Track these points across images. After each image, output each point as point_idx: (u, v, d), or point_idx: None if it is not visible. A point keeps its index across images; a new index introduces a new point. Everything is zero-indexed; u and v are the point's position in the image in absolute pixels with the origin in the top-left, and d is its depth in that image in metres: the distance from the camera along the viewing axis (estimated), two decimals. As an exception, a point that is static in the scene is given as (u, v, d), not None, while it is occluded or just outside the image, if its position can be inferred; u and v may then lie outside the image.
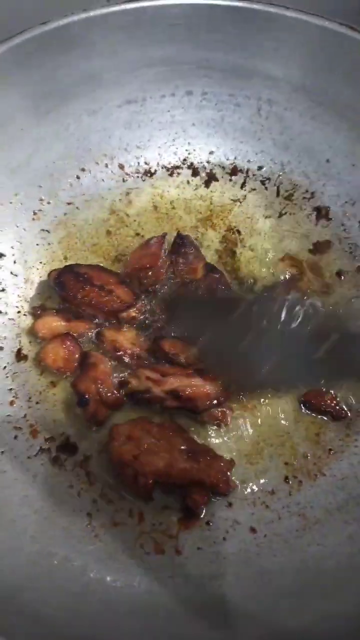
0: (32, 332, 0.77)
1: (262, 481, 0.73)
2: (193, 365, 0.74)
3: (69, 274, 0.77)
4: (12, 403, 0.74)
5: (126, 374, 0.75)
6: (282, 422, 0.76)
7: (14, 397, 0.74)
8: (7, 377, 0.75)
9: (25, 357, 0.77)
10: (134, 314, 0.77)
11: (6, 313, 0.78)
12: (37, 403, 0.74)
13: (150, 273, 0.81)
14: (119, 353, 0.75)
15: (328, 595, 0.63)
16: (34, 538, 0.64)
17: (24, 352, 0.77)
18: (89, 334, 0.77)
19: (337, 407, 0.76)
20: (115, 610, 0.60)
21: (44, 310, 0.78)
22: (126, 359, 0.75)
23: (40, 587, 0.60)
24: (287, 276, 0.84)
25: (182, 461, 0.69)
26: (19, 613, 0.55)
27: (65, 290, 0.76)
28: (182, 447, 0.69)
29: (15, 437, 0.72)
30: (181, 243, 0.82)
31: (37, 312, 0.78)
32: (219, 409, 0.73)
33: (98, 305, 0.76)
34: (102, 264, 0.82)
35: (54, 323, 0.76)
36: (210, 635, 0.60)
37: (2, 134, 0.77)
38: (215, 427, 0.74)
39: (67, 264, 0.80)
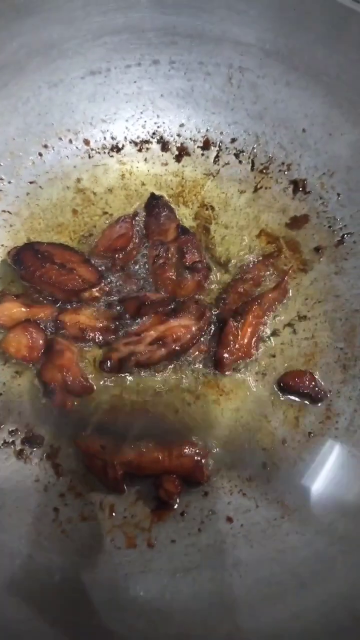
0: None
1: (239, 468, 0.69)
2: (164, 310, 0.73)
3: (29, 252, 0.73)
4: (-28, 395, 0.70)
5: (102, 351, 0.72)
6: (260, 406, 0.72)
7: (-27, 388, 0.71)
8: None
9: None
10: (96, 294, 0.73)
11: None
12: (0, 394, 0.70)
13: (121, 255, 0.77)
14: (85, 334, 0.71)
15: (305, 584, 0.60)
16: (-5, 536, 0.61)
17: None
18: (51, 320, 0.73)
19: (316, 388, 0.72)
20: (83, 608, 0.57)
21: (3, 296, 0.74)
22: (96, 336, 0.71)
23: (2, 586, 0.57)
24: (262, 254, 0.80)
25: (153, 450, 0.65)
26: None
27: (23, 267, 0.73)
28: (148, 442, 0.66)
29: (-24, 431, 0.69)
30: (155, 204, 0.79)
31: None
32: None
33: (58, 283, 0.72)
34: (68, 244, 0.78)
35: (14, 309, 0.72)
36: (183, 631, 0.57)
37: None
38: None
39: (29, 243, 0.76)
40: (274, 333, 0.76)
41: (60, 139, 0.83)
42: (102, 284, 0.74)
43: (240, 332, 0.71)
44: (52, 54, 0.78)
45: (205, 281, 0.76)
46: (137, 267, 0.78)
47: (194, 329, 0.70)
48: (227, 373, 0.71)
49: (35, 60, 0.77)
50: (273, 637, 0.57)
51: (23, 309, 0.72)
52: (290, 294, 0.78)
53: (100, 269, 0.76)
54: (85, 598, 0.58)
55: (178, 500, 0.67)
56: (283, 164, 0.84)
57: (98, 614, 0.57)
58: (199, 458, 0.67)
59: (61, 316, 0.72)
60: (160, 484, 0.65)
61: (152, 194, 0.80)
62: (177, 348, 0.70)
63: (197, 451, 0.68)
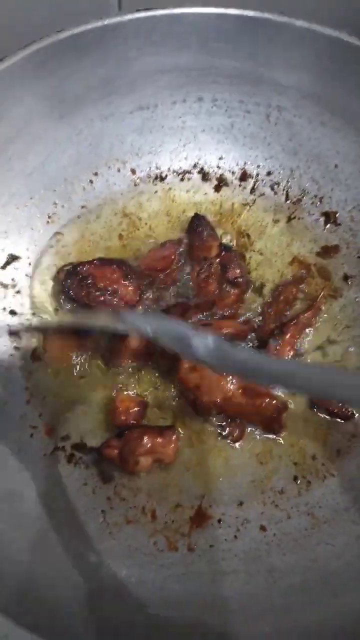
0: (39, 353, 0.78)
1: (271, 480, 0.74)
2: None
3: (74, 277, 0.79)
4: (28, 402, 0.75)
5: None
6: (292, 422, 0.77)
7: (29, 396, 0.76)
8: (23, 376, 0.77)
9: (40, 357, 0.78)
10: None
11: (22, 314, 0.80)
12: (51, 402, 0.75)
13: (162, 276, 0.83)
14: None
15: (337, 594, 0.64)
16: (48, 535, 0.65)
17: (39, 352, 0.78)
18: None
19: (345, 408, 0.77)
20: (130, 604, 0.62)
21: (51, 332, 0.78)
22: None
23: (56, 583, 0.61)
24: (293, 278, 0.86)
25: (238, 396, 0.72)
26: (38, 608, 0.57)
27: (70, 291, 0.79)
28: (240, 384, 0.73)
29: (31, 436, 0.74)
30: (198, 222, 0.84)
31: (45, 333, 0.79)
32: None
33: (101, 304, 0.78)
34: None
35: (61, 346, 0.77)
36: (221, 630, 0.61)
37: (19, 139, 0.79)
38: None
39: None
40: (306, 355, 0.81)
41: (109, 167, 0.89)
42: (143, 298, 0.80)
43: (279, 352, 0.76)
44: (106, 90, 0.84)
45: (245, 295, 0.82)
46: (178, 284, 0.83)
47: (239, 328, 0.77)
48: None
49: (91, 95, 0.84)
50: (306, 637, 0.60)
51: (70, 345, 0.77)
52: (321, 318, 0.83)
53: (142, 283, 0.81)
54: (133, 595, 0.62)
55: (215, 509, 0.71)
56: (315, 196, 0.90)
57: (145, 610, 0.61)
58: (278, 411, 0.74)
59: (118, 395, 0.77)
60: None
61: (196, 214, 0.86)
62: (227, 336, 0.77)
63: (277, 404, 0.74)
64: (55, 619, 0.57)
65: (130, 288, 0.80)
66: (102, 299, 0.78)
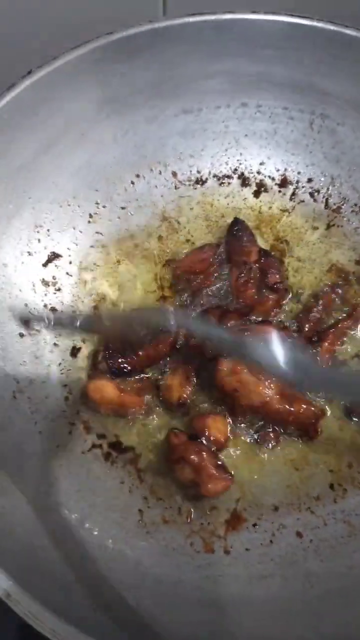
0: (83, 394, 0.77)
1: (307, 487, 0.74)
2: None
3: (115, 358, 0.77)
4: (66, 399, 0.76)
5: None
6: (327, 429, 0.77)
7: (68, 392, 0.76)
8: (62, 373, 0.77)
9: (77, 354, 0.79)
10: None
11: (62, 311, 0.80)
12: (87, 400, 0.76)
13: (199, 278, 0.83)
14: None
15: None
16: (90, 531, 0.66)
17: (78, 348, 0.79)
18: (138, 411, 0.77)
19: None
20: (168, 603, 0.62)
21: (100, 373, 0.77)
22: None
23: (96, 577, 0.61)
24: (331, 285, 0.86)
25: (276, 402, 0.72)
26: (80, 603, 0.57)
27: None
28: (279, 389, 0.73)
29: (70, 432, 0.74)
30: (237, 228, 0.84)
31: (91, 372, 0.78)
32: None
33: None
34: (152, 268, 0.86)
35: (106, 388, 0.75)
36: (258, 633, 0.61)
37: (68, 135, 0.80)
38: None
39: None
40: (343, 362, 0.81)
41: (151, 170, 0.90)
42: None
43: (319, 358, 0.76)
44: (152, 92, 0.85)
45: (283, 301, 0.82)
46: (214, 288, 0.84)
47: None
48: (306, 406, 0.75)
49: (137, 97, 0.84)
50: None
51: (115, 391, 0.75)
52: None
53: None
54: (170, 594, 0.63)
55: (250, 514, 0.71)
56: (356, 205, 0.90)
57: (182, 610, 0.61)
58: (315, 418, 0.74)
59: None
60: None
61: (236, 218, 0.86)
62: None
63: (315, 411, 0.74)
64: (96, 616, 0.57)
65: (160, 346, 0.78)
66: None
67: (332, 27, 0.80)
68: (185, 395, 0.75)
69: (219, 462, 0.70)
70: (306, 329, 0.81)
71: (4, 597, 0.51)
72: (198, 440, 0.71)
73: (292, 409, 0.74)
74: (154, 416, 0.77)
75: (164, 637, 0.58)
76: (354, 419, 0.78)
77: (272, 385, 0.74)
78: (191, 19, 0.80)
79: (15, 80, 0.74)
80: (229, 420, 0.76)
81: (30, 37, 0.90)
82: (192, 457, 0.69)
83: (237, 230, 0.85)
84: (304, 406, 0.74)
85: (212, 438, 0.72)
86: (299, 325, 0.81)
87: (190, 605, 0.63)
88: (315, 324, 0.81)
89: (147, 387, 0.78)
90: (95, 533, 0.66)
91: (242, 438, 0.76)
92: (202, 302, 0.83)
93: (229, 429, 0.75)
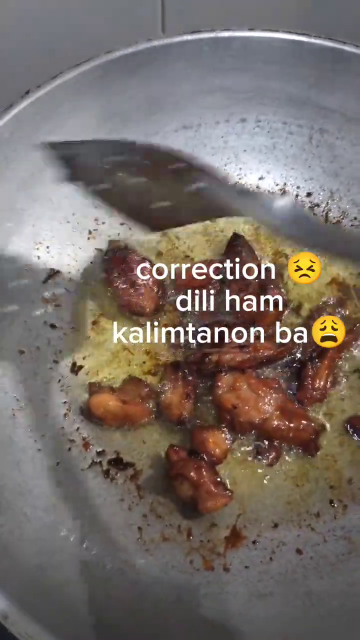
0: (86, 409, 0.77)
1: (307, 503, 0.73)
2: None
3: (119, 258, 0.82)
4: (65, 416, 0.76)
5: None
6: (328, 445, 0.76)
7: (67, 410, 0.76)
8: (62, 390, 0.77)
9: (78, 371, 0.79)
10: None
11: (61, 328, 0.81)
12: (89, 416, 0.76)
13: (198, 292, 0.83)
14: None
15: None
16: (88, 549, 0.66)
17: (78, 365, 0.79)
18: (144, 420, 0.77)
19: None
20: (166, 620, 0.62)
21: (100, 388, 0.77)
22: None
23: (95, 596, 0.61)
24: (332, 299, 0.86)
25: (275, 418, 0.73)
26: (78, 623, 0.57)
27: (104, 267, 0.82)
28: (279, 405, 0.73)
29: (69, 449, 0.74)
30: (236, 243, 0.85)
31: (92, 388, 0.78)
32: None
33: (120, 300, 0.83)
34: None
35: (110, 402, 0.75)
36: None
37: (68, 154, 0.80)
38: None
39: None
40: (344, 377, 0.80)
41: (151, 185, 0.90)
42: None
43: (317, 375, 0.76)
44: (152, 109, 0.86)
45: (282, 315, 0.83)
46: (212, 302, 0.83)
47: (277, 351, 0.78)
48: (306, 422, 0.75)
49: (138, 113, 0.85)
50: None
51: (118, 404, 0.75)
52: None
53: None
54: (171, 613, 0.62)
55: (250, 531, 0.70)
56: (355, 218, 0.90)
57: (182, 628, 0.61)
58: (315, 434, 0.74)
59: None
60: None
61: (235, 233, 0.86)
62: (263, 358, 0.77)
63: (314, 428, 0.75)
64: (93, 635, 0.57)
65: (153, 296, 0.82)
66: (124, 294, 0.81)
67: (330, 44, 0.80)
68: (185, 413, 0.75)
69: (218, 479, 0.70)
70: (306, 344, 0.80)
71: (1, 618, 0.51)
72: (198, 456, 0.71)
73: (291, 425, 0.74)
74: (155, 431, 0.76)
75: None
76: (354, 434, 0.77)
77: (271, 401, 0.74)
78: (190, 37, 0.81)
79: (14, 99, 0.74)
80: (228, 435, 0.75)
81: (30, 55, 0.90)
82: (191, 473, 0.69)
83: (236, 244, 0.85)
84: (304, 422, 0.74)
85: (210, 452, 0.72)
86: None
87: (190, 624, 0.62)
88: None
89: (149, 394, 0.78)
90: (94, 552, 0.66)
91: (242, 454, 0.75)
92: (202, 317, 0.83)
93: (227, 442, 0.74)
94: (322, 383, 0.77)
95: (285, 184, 0.93)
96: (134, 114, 0.85)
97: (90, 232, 0.87)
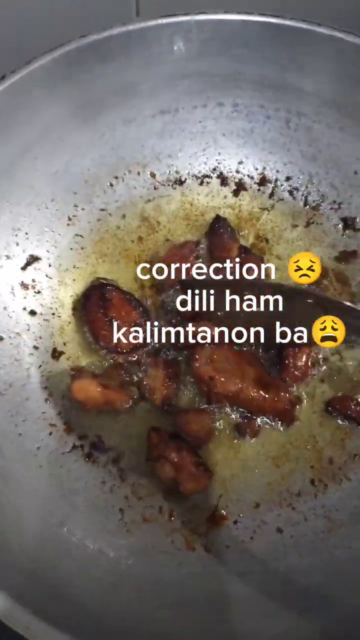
0: (68, 394, 0.77)
1: (288, 483, 0.74)
2: None
3: (96, 293, 0.81)
4: (46, 400, 0.76)
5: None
6: (308, 426, 0.77)
7: (48, 395, 0.77)
8: (43, 375, 0.78)
9: (59, 356, 0.79)
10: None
11: (41, 314, 0.81)
12: (70, 401, 0.76)
13: (176, 269, 0.82)
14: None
15: (355, 596, 0.64)
16: (70, 531, 0.66)
17: (59, 351, 0.79)
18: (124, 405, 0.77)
19: (360, 412, 0.77)
20: (148, 601, 0.62)
21: (82, 372, 0.77)
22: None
23: (76, 577, 0.62)
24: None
25: (252, 390, 0.74)
26: (59, 602, 0.57)
27: (86, 307, 0.81)
28: (255, 377, 0.74)
29: (50, 434, 0.74)
30: (219, 225, 0.86)
31: (74, 373, 0.77)
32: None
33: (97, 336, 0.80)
34: (133, 268, 0.85)
35: (90, 387, 0.75)
36: (237, 629, 0.62)
37: (44, 141, 0.80)
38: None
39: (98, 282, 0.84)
40: (324, 359, 0.81)
41: (130, 171, 0.90)
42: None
43: (298, 355, 0.77)
44: (129, 94, 0.85)
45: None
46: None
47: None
48: (282, 394, 0.76)
49: (114, 99, 0.85)
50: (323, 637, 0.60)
51: (99, 389, 0.75)
52: (339, 323, 0.83)
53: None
54: (151, 592, 0.63)
55: (231, 510, 0.71)
56: (334, 202, 0.90)
57: (162, 607, 0.62)
58: (291, 404, 0.76)
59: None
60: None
61: (217, 215, 0.87)
62: None
63: (290, 398, 0.76)
64: (76, 613, 0.57)
65: (132, 334, 0.79)
66: (100, 329, 0.79)
67: (304, 26, 0.80)
68: (169, 396, 0.75)
69: (200, 460, 0.71)
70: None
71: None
72: (179, 438, 0.71)
73: (267, 395, 0.75)
74: (137, 415, 0.77)
75: (143, 635, 0.58)
76: (334, 414, 0.78)
77: (248, 373, 0.74)
78: (164, 21, 0.81)
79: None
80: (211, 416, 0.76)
81: (2, 40, 0.90)
82: (172, 455, 0.69)
83: (218, 227, 0.86)
84: (280, 393, 0.75)
85: (194, 434, 0.73)
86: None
87: (171, 603, 0.63)
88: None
89: (130, 380, 0.78)
90: (77, 533, 0.66)
91: (222, 435, 0.76)
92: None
93: (210, 424, 0.75)
94: (303, 361, 0.77)
95: (264, 167, 0.93)
96: (111, 100, 0.85)
97: (69, 218, 0.87)
